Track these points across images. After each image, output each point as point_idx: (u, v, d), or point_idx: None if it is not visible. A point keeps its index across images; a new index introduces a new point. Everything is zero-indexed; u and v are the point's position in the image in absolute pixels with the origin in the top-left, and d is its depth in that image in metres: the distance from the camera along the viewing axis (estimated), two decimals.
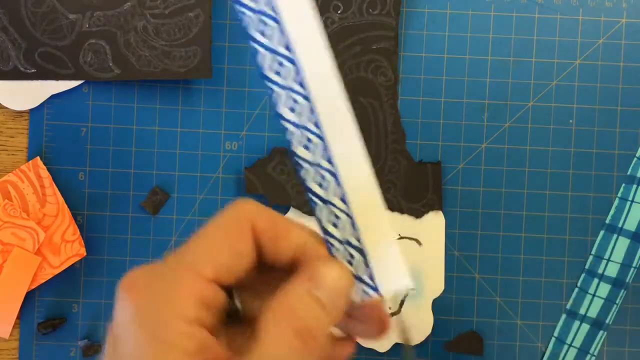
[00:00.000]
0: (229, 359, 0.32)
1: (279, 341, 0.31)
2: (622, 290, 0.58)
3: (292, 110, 0.34)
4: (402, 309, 0.57)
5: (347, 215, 0.34)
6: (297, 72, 0.34)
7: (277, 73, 0.34)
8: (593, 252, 0.58)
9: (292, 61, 0.33)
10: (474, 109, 0.58)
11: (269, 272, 0.35)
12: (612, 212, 0.58)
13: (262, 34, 0.34)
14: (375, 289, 0.34)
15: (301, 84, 0.34)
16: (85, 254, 0.57)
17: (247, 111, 0.58)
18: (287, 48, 0.33)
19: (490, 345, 0.58)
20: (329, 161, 0.34)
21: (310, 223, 0.35)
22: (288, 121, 0.34)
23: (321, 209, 0.34)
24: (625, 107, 0.59)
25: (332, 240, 0.35)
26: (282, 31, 0.33)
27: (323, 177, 0.34)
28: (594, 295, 0.58)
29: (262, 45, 0.34)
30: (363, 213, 0.34)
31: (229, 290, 0.34)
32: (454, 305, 0.58)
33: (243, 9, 0.34)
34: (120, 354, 0.31)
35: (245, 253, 0.33)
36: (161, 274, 0.32)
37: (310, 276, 0.33)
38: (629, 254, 0.58)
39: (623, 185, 0.58)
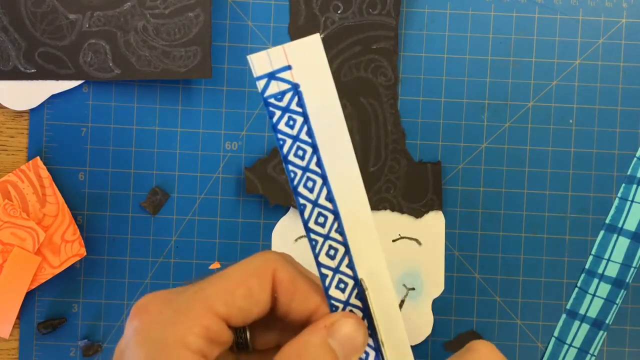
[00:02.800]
0: None
1: None
2: (622, 290, 0.57)
3: (330, 256, 0.35)
4: (402, 309, 0.57)
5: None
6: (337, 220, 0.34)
7: (320, 224, 0.34)
8: (593, 252, 0.58)
9: (334, 213, 0.34)
10: (474, 109, 0.58)
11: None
12: (612, 212, 0.58)
13: (309, 190, 0.34)
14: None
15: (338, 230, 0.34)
16: (85, 254, 0.57)
17: (247, 111, 0.58)
18: (329, 199, 0.34)
19: None
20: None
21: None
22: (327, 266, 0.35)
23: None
24: (625, 107, 0.59)
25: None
26: (326, 185, 0.34)
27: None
28: (594, 295, 0.58)
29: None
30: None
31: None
32: (454, 305, 0.58)
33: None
34: None
35: (260, 301, 0.34)
36: (174, 301, 0.33)
37: (327, 324, 0.33)
38: (629, 254, 0.57)
39: (623, 185, 0.58)
